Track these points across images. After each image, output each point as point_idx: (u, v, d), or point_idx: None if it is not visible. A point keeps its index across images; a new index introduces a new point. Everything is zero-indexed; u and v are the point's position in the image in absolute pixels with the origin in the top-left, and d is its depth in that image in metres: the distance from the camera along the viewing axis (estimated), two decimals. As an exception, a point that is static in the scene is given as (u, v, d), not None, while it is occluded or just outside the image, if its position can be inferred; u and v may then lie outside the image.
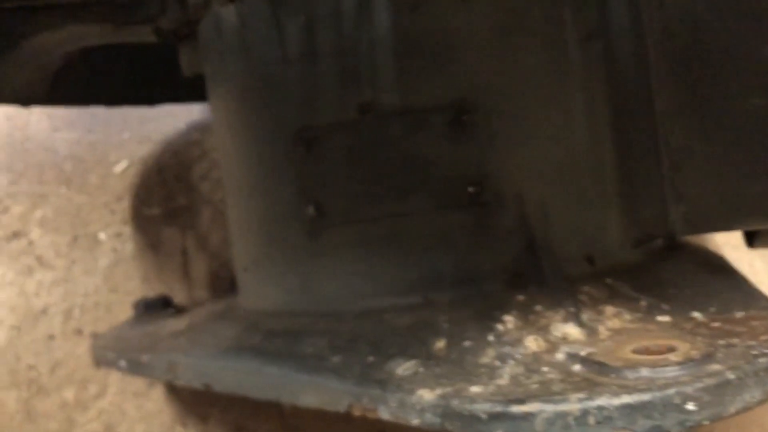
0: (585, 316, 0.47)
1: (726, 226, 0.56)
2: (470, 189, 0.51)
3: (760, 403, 0.38)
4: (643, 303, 0.49)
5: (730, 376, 0.37)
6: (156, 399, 0.83)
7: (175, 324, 0.70)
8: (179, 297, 0.91)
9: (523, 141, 0.51)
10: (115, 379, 0.84)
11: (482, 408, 0.38)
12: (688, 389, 0.36)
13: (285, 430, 0.82)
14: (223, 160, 0.63)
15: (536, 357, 0.43)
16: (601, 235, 0.54)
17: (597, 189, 0.54)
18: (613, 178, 0.54)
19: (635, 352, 0.41)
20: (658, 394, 0.36)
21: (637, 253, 0.56)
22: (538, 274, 0.51)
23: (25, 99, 0.81)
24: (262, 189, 0.56)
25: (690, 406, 0.36)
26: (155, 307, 0.76)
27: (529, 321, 0.47)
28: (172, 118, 1.05)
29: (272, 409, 0.81)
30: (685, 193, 0.54)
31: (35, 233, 0.90)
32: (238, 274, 0.63)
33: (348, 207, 0.52)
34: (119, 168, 0.98)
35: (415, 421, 0.40)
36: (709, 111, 0.53)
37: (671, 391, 0.36)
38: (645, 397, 0.36)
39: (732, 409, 0.37)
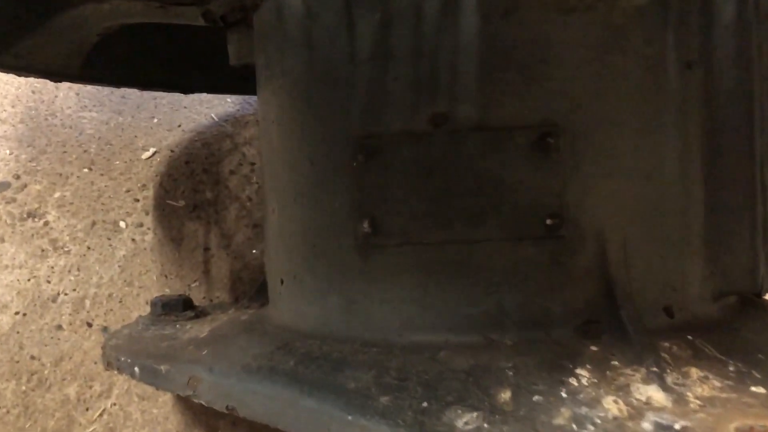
0: (669, 378, 0.41)
1: (824, 288, 0.50)
2: (548, 221, 0.45)
3: None
4: (732, 368, 0.44)
5: None
6: (163, 405, 0.78)
7: (195, 329, 0.64)
8: (197, 296, 0.86)
9: (610, 172, 0.46)
10: (121, 378, 0.79)
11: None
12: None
13: (298, 453, 0.76)
14: (266, 159, 0.58)
15: (619, 424, 0.37)
16: (682, 284, 0.49)
17: (683, 232, 0.48)
18: (700, 222, 0.49)
19: (739, 431, 0.35)
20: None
21: (715, 307, 0.51)
22: (616, 323, 0.45)
23: (56, 73, 0.76)
24: (312, 196, 0.51)
25: None
26: (174, 308, 0.71)
27: (607, 378, 0.42)
28: (206, 108, 1.00)
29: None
30: (780, 246, 0.49)
31: (52, 215, 0.85)
32: (273, 285, 0.58)
33: (408, 227, 0.47)
34: (146, 154, 0.93)
35: (481, 488, 0.35)
36: (818, 159, 0.48)
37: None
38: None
39: None
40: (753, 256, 0.49)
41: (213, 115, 0.99)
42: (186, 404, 0.77)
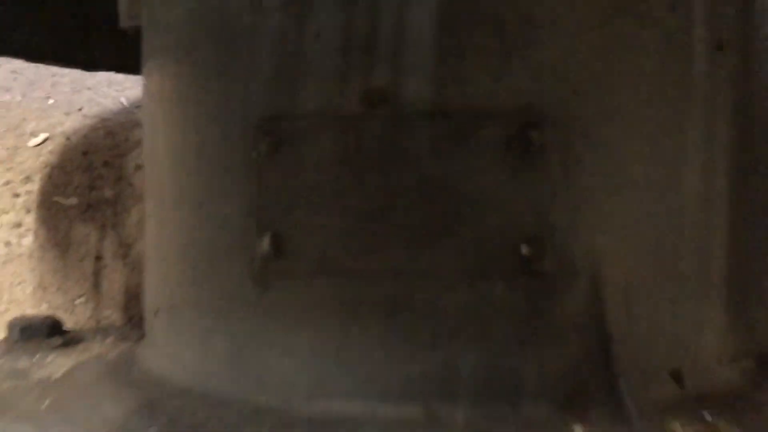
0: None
1: None
2: (524, 249, 0.32)
3: None
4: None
5: None
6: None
7: (54, 366, 0.51)
8: (82, 315, 0.73)
9: (615, 184, 0.34)
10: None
11: None
12: None
13: None
14: (146, 151, 0.44)
15: None
16: (696, 342, 0.37)
17: (701, 273, 0.37)
18: (724, 258, 0.37)
19: None
20: None
21: (737, 372, 0.38)
22: (609, 394, 0.33)
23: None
24: (197, 201, 0.38)
25: None
26: (37, 332, 0.58)
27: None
28: (114, 90, 0.86)
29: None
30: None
31: None
32: (147, 317, 0.43)
33: (325, 248, 0.33)
34: (35, 141, 0.80)
35: None
36: None
37: None
38: None
39: None
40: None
41: (123, 99, 0.87)
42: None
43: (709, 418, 0.37)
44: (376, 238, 0.33)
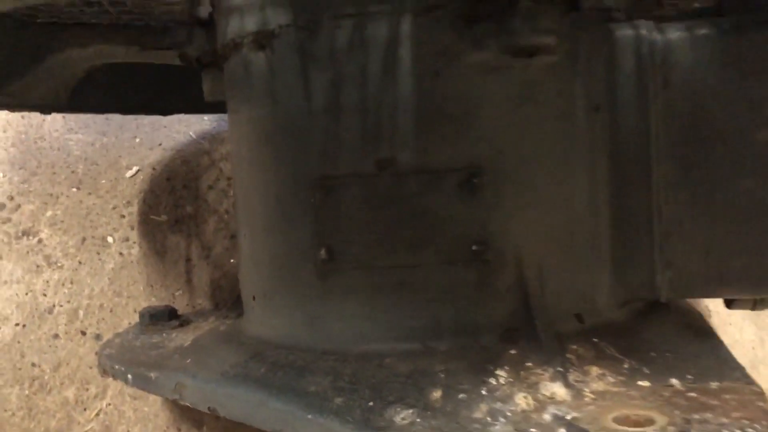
0: (572, 376, 0.51)
1: (708, 294, 0.60)
2: (474, 247, 0.54)
3: (727, 478, 0.42)
4: (626, 366, 0.53)
5: (701, 454, 0.40)
6: (153, 403, 0.86)
7: (180, 338, 0.73)
8: (181, 303, 0.94)
9: (526, 205, 0.55)
10: (114, 380, 0.87)
11: (474, 468, 0.41)
12: (663, 466, 0.39)
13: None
14: (238, 190, 0.66)
15: (525, 416, 0.46)
16: (591, 296, 0.58)
17: (592, 253, 0.57)
18: (607, 242, 0.58)
19: (615, 420, 0.44)
20: (636, 471, 0.39)
21: (622, 312, 0.60)
22: (531, 330, 0.54)
23: (45, 106, 0.84)
24: (278, 227, 0.60)
25: (666, 484, 0.39)
26: (161, 318, 0.79)
27: (520, 377, 0.51)
28: (184, 126, 1.07)
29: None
30: (672, 261, 0.58)
31: (45, 233, 0.93)
32: (246, 300, 0.66)
33: (359, 254, 0.56)
34: (130, 173, 1.00)
35: (410, 471, 0.43)
36: (702, 188, 0.57)
37: (648, 467, 0.39)
38: (623, 470, 0.39)
39: (700, 484, 0.40)
40: (651, 269, 0.58)
41: (191, 133, 1.06)
42: (174, 402, 0.86)
43: (596, 340, 0.58)
44: (389, 246, 0.55)
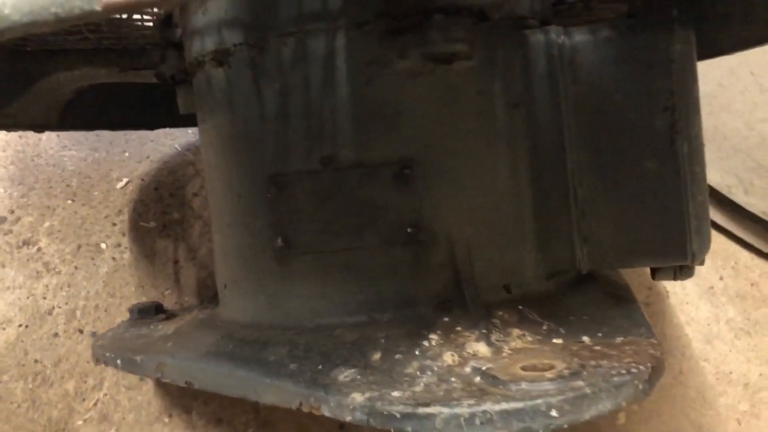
0: (494, 337, 0.58)
1: (621, 264, 0.68)
2: (409, 230, 0.62)
3: (613, 412, 0.49)
4: (545, 327, 0.61)
5: (587, 390, 0.48)
6: (146, 392, 0.94)
7: (164, 328, 0.81)
8: (170, 302, 1.02)
9: (453, 192, 0.63)
10: (110, 373, 0.95)
11: (397, 409, 0.49)
12: (553, 400, 0.47)
13: (259, 422, 0.93)
14: (208, 192, 0.74)
15: (449, 369, 0.54)
16: (518, 269, 0.65)
17: (516, 231, 0.65)
18: (530, 222, 0.65)
19: (523, 368, 0.52)
20: (529, 403, 0.47)
21: (551, 284, 0.67)
22: (462, 301, 0.62)
23: (39, 126, 0.92)
24: (241, 221, 0.68)
25: (553, 412, 0.47)
26: (148, 312, 0.87)
27: (450, 339, 0.58)
28: (170, 139, 1.15)
29: (248, 404, 0.92)
30: (589, 236, 0.66)
31: (43, 242, 1.02)
32: (219, 290, 0.74)
33: (310, 241, 0.64)
34: (120, 184, 1.09)
35: (348, 418, 0.51)
36: (610, 170, 0.65)
37: (540, 401, 0.47)
38: (519, 405, 0.47)
39: (587, 416, 0.48)
40: (571, 245, 0.66)
41: (177, 145, 1.15)
42: (165, 390, 0.94)
43: (521, 307, 0.66)
44: (334, 232, 0.63)
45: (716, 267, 1.17)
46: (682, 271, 0.70)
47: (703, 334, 1.11)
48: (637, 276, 1.11)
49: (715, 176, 1.17)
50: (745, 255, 1.19)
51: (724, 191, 1.17)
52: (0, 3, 0.37)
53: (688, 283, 1.12)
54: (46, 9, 0.36)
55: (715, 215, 1.19)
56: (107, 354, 0.76)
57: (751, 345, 1.12)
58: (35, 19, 0.36)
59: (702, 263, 0.69)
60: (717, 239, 1.19)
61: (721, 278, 1.16)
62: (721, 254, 1.18)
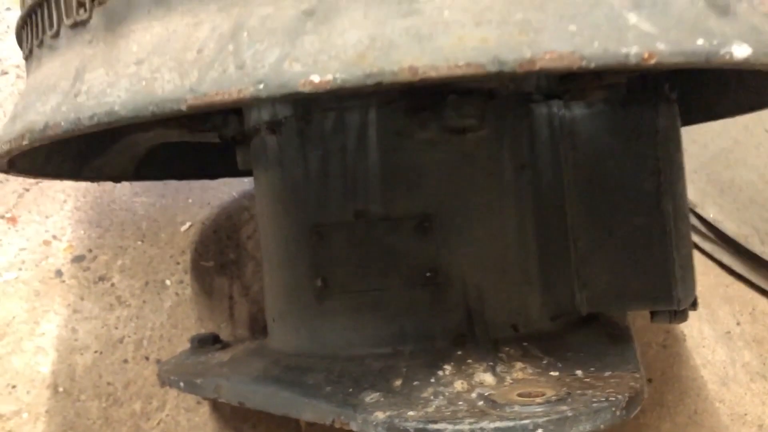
0: (499, 368, 0.68)
1: (616, 308, 0.77)
2: (428, 274, 0.72)
3: (592, 432, 0.58)
4: (545, 362, 0.70)
5: (569, 413, 0.57)
6: (202, 414, 1.06)
7: (220, 356, 0.92)
8: (225, 334, 1.14)
9: (467, 242, 0.73)
10: (171, 396, 1.07)
11: (411, 425, 0.59)
12: (539, 420, 0.56)
13: (300, 444, 1.04)
14: (261, 236, 0.86)
15: (458, 395, 0.64)
16: (524, 310, 0.75)
17: (522, 277, 0.75)
18: (535, 269, 0.75)
19: (519, 395, 0.62)
20: (519, 422, 0.56)
21: (554, 324, 0.77)
22: (473, 337, 0.72)
23: (117, 177, 1.06)
24: (287, 263, 0.79)
25: (539, 431, 0.56)
26: (206, 342, 0.98)
27: (461, 370, 0.68)
28: (228, 188, 1.29)
29: (291, 424, 1.03)
30: (587, 282, 0.75)
31: (116, 278, 1.15)
32: (268, 323, 0.86)
33: (345, 281, 0.75)
34: (184, 227, 1.22)
35: (371, 432, 0.62)
36: (605, 225, 0.74)
37: (527, 420, 0.56)
38: (510, 423, 0.56)
39: (568, 435, 0.57)
40: (572, 289, 0.75)
41: (234, 193, 1.27)
42: (219, 414, 1.06)
43: (525, 344, 0.75)
44: (365, 274, 0.74)
45: (734, 312, 1.24)
46: (677, 316, 0.79)
47: (719, 377, 1.17)
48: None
49: (732, 226, 1.25)
50: (762, 302, 1.25)
51: (741, 241, 1.24)
52: (112, 102, 0.50)
53: (705, 328, 1.19)
54: (145, 108, 0.48)
55: (733, 263, 1.26)
56: (171, 377, 0.88)
57: (767, 389, 1.17)
58: (137, 114, 0.49)
59: (695, 308, 0.78)
60: (735, 286, 1.26)
61: (738, 323, 1.23)
62: (739, 300, 1.24)
